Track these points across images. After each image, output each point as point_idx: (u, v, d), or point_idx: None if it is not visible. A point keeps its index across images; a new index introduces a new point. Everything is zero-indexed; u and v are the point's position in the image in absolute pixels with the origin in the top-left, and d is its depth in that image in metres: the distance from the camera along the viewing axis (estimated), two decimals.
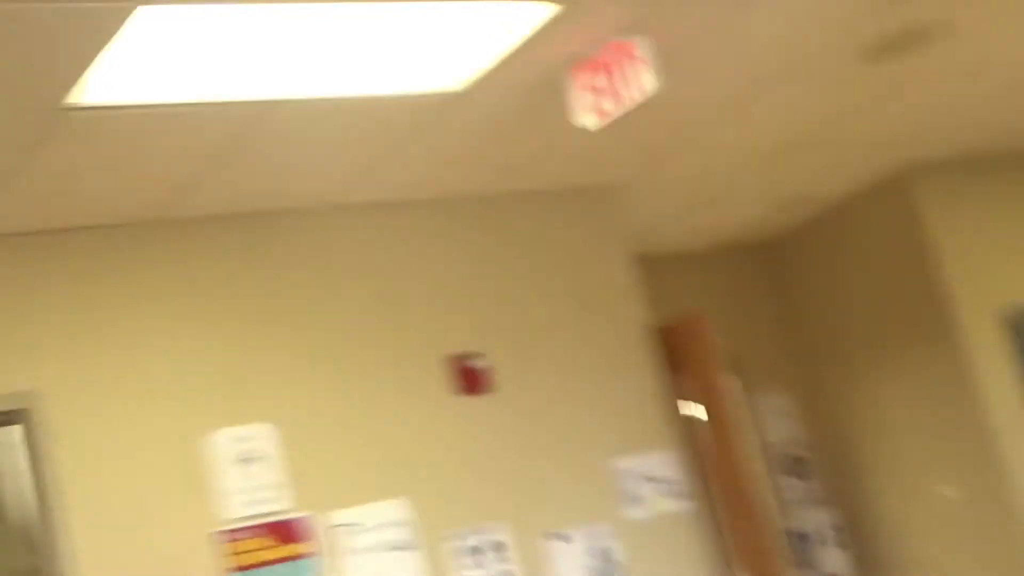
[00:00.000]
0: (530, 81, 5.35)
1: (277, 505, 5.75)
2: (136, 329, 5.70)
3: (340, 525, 5.84)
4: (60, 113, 4.43)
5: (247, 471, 5.73)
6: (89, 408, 5.52)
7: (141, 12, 3.90)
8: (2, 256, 5.49)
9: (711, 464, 6.97)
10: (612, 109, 5.18)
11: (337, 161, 5.74)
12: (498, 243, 6.67)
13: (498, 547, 6.16)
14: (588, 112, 5.28)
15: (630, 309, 6.88)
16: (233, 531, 5.62)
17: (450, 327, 6.39)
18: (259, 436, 5.80)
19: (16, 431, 5.44)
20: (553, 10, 4.74)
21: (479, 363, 6.36)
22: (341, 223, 6.27)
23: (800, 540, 8.61)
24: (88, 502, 5.41)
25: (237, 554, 5.60)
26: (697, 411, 7.09)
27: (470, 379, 6.33)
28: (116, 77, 4.26)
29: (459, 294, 6.47)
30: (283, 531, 5.71)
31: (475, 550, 6.10)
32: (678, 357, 6.97)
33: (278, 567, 5.67)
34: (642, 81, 5.02)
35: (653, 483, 6.62)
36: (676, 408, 6.95)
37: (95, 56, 4.06)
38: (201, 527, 5.58)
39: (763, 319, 8.95)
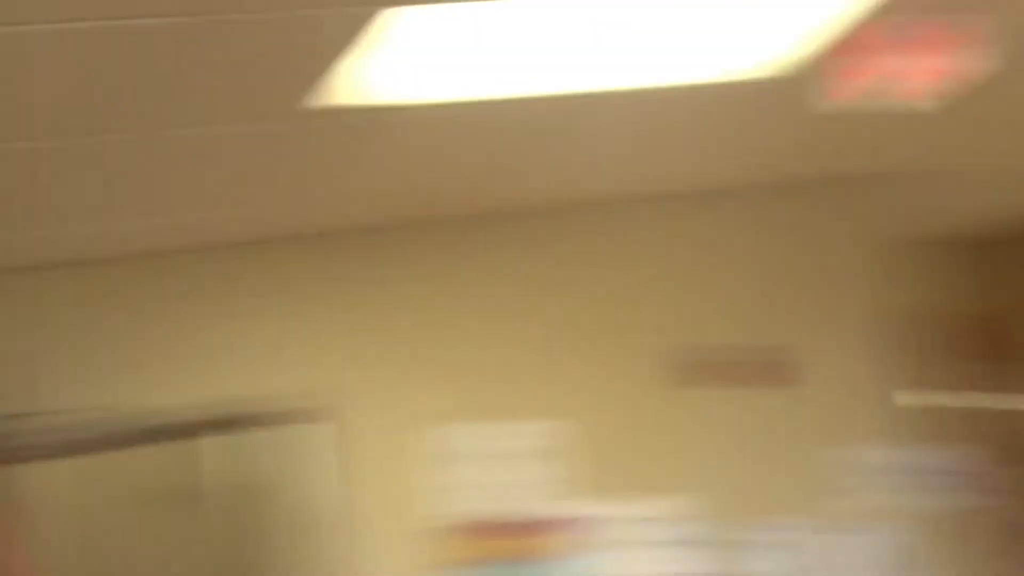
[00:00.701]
0: None
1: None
2: (429, 326, 5.80)
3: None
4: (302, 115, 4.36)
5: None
6: (384, 404, 5.68)
7: (383, 15, 3.68)
8: (290, 260, 5.68)
9: None
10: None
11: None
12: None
13: None
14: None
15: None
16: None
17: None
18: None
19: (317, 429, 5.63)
20: None
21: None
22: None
23: None
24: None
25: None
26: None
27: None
28: (363, 78, 4.12)
29: (762, 284, 6.32)
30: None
31: None
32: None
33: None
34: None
35: None
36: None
37: (336, 59, 3.93)
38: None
39: None
